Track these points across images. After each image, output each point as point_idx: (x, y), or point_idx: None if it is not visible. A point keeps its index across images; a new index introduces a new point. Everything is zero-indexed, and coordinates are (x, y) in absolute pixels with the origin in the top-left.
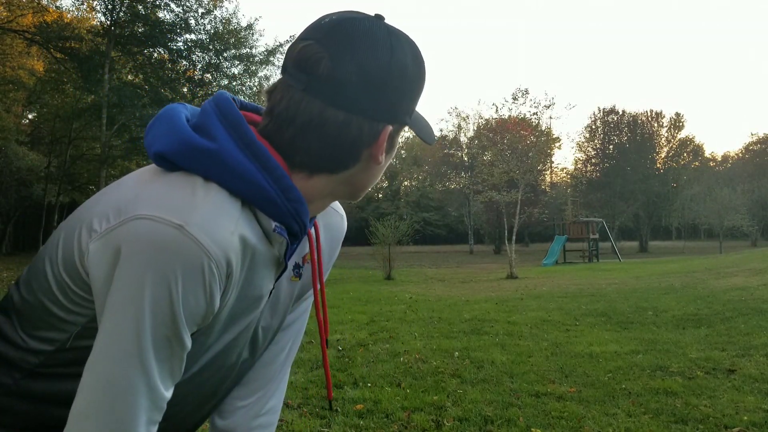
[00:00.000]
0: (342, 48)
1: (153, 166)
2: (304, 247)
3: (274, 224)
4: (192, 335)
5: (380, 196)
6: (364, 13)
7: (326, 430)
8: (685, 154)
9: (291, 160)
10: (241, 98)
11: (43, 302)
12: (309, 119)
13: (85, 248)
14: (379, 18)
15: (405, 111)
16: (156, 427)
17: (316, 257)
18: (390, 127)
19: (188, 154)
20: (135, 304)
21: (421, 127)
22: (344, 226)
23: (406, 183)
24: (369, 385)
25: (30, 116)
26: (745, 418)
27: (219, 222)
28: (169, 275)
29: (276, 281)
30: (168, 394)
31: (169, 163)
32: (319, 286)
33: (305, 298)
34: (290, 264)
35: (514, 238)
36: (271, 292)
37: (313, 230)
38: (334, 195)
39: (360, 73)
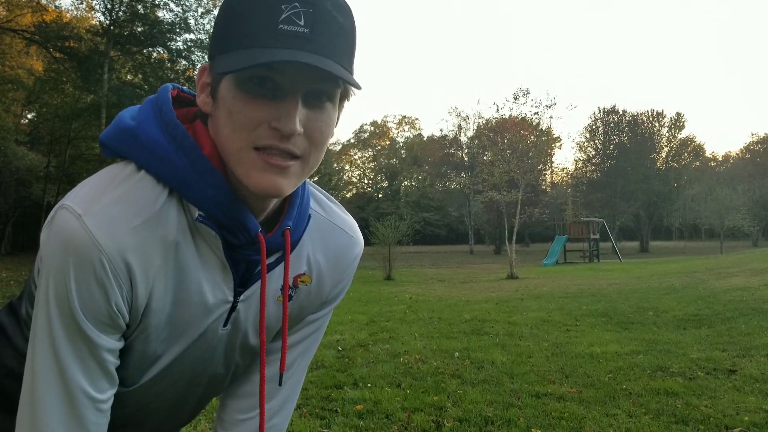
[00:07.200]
0: None
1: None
2: (299, 267)
3: (197, 213)
4: (128, 339)
5: (380, 196)
6: None
7: (326, 430)
8: (685, 154)
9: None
10: None
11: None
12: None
13: None
14: None
15: (218, 46)
16: (98, 428)
17: (280, 273)
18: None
19: (115, 135)
20: (43, 294)
21: (232, 59)
22: (355, 251)
23: (406, 183)
24: (369, 385)
25: (29, 116)
26: (746, 418)
27: (120, 215)
28: (65, 266)
29: (241, 294)
30: (101, 395)
31: (106, 148)
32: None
33: (308, 322)
34: (276, 281)
35: (514, 238)
36: (235, 305)
37: (273, 239)
38: None
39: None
